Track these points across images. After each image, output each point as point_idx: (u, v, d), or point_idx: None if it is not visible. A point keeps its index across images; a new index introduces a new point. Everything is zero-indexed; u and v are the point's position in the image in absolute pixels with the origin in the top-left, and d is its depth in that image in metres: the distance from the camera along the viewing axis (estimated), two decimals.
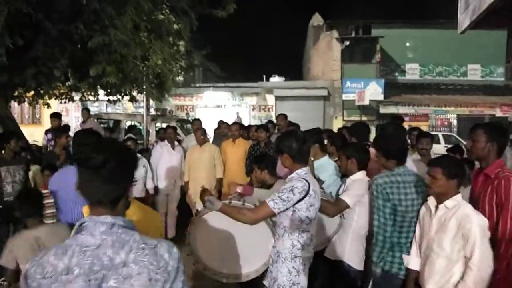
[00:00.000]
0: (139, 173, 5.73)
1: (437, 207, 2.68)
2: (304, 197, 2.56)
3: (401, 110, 20.76)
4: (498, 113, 20.64)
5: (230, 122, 7.69)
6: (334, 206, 3.13)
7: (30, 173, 5.17)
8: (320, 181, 3.49)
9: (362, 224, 3.26)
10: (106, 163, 1.30)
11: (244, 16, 9.47)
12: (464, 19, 6.22)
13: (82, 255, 1.26)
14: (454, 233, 2.54)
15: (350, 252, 3.23)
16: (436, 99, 21.27)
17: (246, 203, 3.16)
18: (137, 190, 5.58)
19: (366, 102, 18.99)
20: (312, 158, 3.63)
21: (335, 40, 20.59)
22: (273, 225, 2.90)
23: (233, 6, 8.06)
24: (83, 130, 4.14)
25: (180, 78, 9.13)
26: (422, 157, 4.73)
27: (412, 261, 2.84)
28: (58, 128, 5.97)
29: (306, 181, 2.60)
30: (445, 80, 21.68)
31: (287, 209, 2.59)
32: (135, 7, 6.56)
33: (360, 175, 3.32)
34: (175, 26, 7.45)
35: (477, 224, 2.47)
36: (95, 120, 10.62)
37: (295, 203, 2.57)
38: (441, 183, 2.61)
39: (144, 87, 8.07)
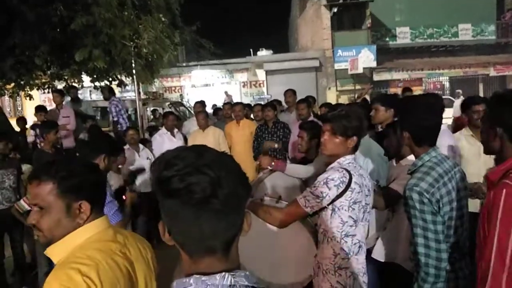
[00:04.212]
0: (145, 165, 5.22)
1: None
2: (344, 191, 2.06)
3: (395, 76, 20.40)
4: (492, 72, 20.35)
5: (220, 102, 7.16)
6: (384, 197, 2.59)
7: (23, 175, 4.63)
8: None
9: None
10: (217, 188, 0.82)
11: None
12: None
13: None
14: None
15: (404, 253, 2.74)
16: (429, 62, 20.89)
17: (281, 201, 2.70)
18: (145, 184, 5.06)
19: (360, 70, 18.49)
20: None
21: (323, 8, 19.86)
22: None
23: None
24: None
25: (170, 57, 8.52)
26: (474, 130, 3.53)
27: None
28: (45, 123, 5.38)
29: (347, 171, 2.08)
30: (436, 42, 21.24)
31: (323, 207, 2.10)
32: None
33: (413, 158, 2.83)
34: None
35: None
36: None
37: (333, 200, 2.07)
38: None
39: (134, 69, 7.45)
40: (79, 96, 8.76)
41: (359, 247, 2.15)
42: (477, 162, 3.42)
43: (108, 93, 7.55)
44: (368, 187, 2.20)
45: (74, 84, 9.17)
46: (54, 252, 1.35)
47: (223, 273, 0.84)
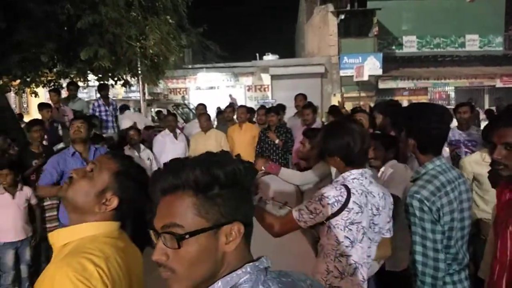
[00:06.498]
0: (146, 166, 5.22)
1: None
2: (340, 211, 1.93)
3: (400, 84, 20.35)
4: (498, 83, 20.25)
5: (225, 105, 7.18)
6: None
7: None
8: None
9: None
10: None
11: None
12: None
13: None
14: None
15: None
16: (434, 71, 20.83)
17: (287, 206, 2.66)
18: None
19: (365, 78, 18.40)
20: None
21: (330, 14, 19.87)
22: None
23: None
24: None
25: (176, 59, 8.53)
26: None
27: None
28: (30, 122, 5.33)
29: (346, 189, 1.95)
30: (443, 51, 21.18)
31: (318, 223, 2.00)
32: None
33: (394, 161, 2.83)
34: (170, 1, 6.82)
35: None
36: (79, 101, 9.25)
37: (328, 218, 1.95)
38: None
39: (140, 69, 7.46)
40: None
41: (355, 268, 2.00)
42: None
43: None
44: (377, 205, 2.03)
45: (79, 82, 9.19)
46: (61, 235, 1.34)
47: (264, 256, 0.92)
